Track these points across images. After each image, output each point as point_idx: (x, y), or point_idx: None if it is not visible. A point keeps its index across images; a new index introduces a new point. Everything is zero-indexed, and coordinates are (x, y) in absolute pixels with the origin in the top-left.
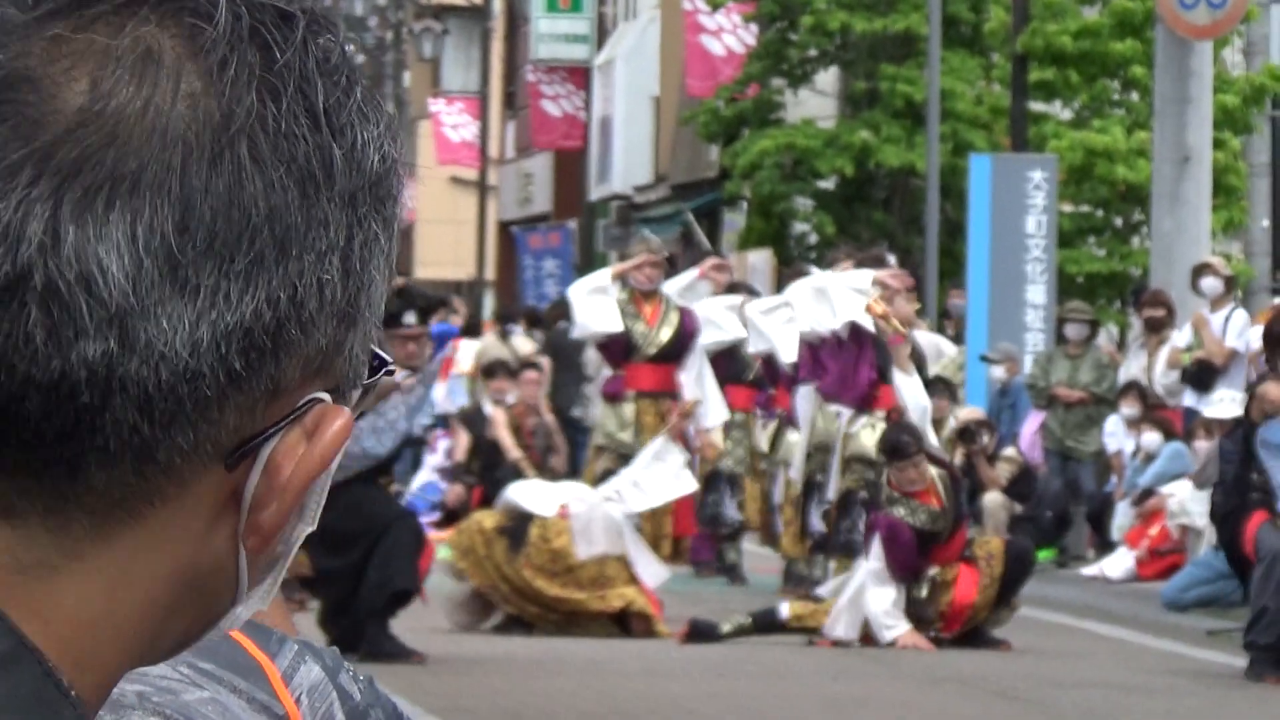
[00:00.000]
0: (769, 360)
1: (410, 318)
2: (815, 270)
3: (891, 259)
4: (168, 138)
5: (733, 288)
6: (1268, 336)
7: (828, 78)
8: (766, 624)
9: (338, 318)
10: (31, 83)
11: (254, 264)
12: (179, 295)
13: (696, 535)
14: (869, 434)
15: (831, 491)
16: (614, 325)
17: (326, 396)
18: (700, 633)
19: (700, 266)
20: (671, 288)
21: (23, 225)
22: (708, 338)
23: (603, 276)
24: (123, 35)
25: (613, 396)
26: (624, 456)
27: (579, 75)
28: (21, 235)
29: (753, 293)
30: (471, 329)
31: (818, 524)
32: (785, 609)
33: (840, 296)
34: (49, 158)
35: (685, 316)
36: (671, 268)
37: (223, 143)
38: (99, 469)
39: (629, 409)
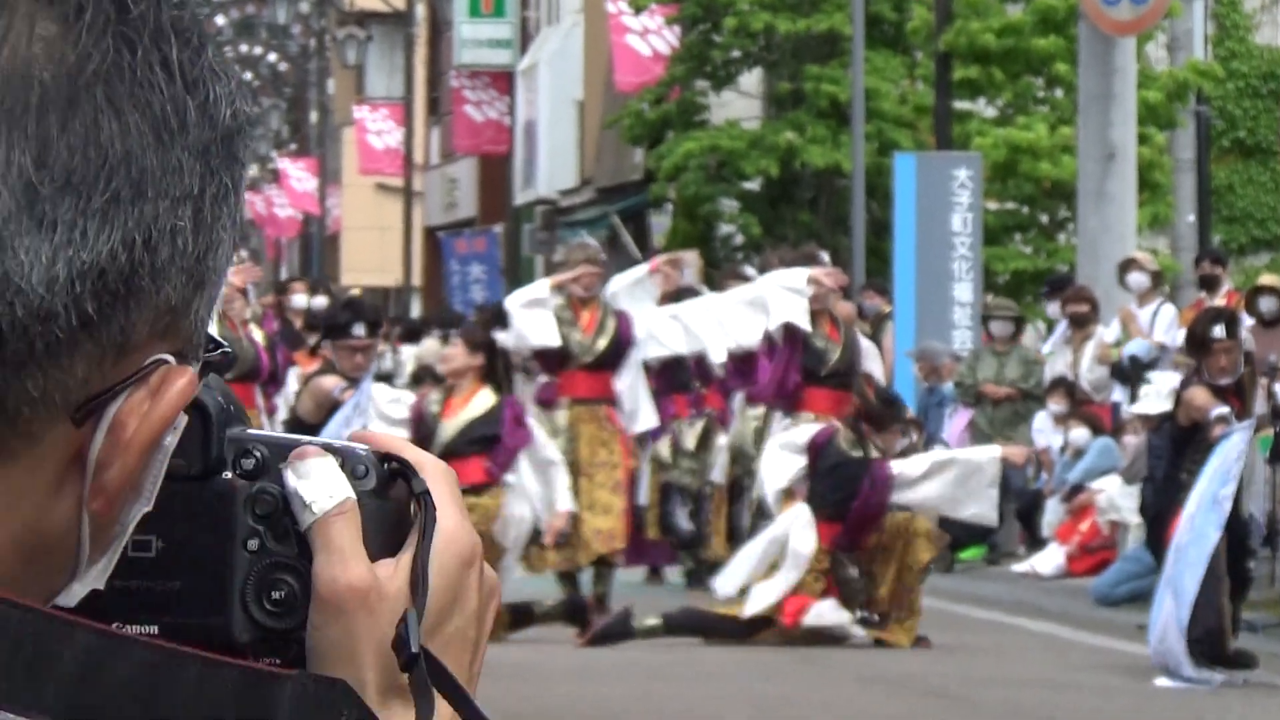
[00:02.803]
0: (700, 360)
1: (359, 329)
2: (751, 271)
3: (825, 257)
4: (24, 76)
5: (681, 293)
6: (1191, 339)
7: (751, 79)
8: (687, 624)
9: (187, 273)
10: None
11: (110, 203)
12: (36, 229)
13: (654, 544)
14: (798, 430)
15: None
16: (552, 339)
17: (171, 358)
18: (608, 635)
19: (652, 261)
20: (619, 284)
21: None
22: (650, 351)
23: (541, 288)
24: None
25: (546, 403)
26: None
27: (503, 80)
28: None
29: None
30: (410, 334)
31: (746, 524)
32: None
33: (774, 298)
34: None
35: (622, 323)
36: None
37: (79, 85)
38: None
39: (562, 416)
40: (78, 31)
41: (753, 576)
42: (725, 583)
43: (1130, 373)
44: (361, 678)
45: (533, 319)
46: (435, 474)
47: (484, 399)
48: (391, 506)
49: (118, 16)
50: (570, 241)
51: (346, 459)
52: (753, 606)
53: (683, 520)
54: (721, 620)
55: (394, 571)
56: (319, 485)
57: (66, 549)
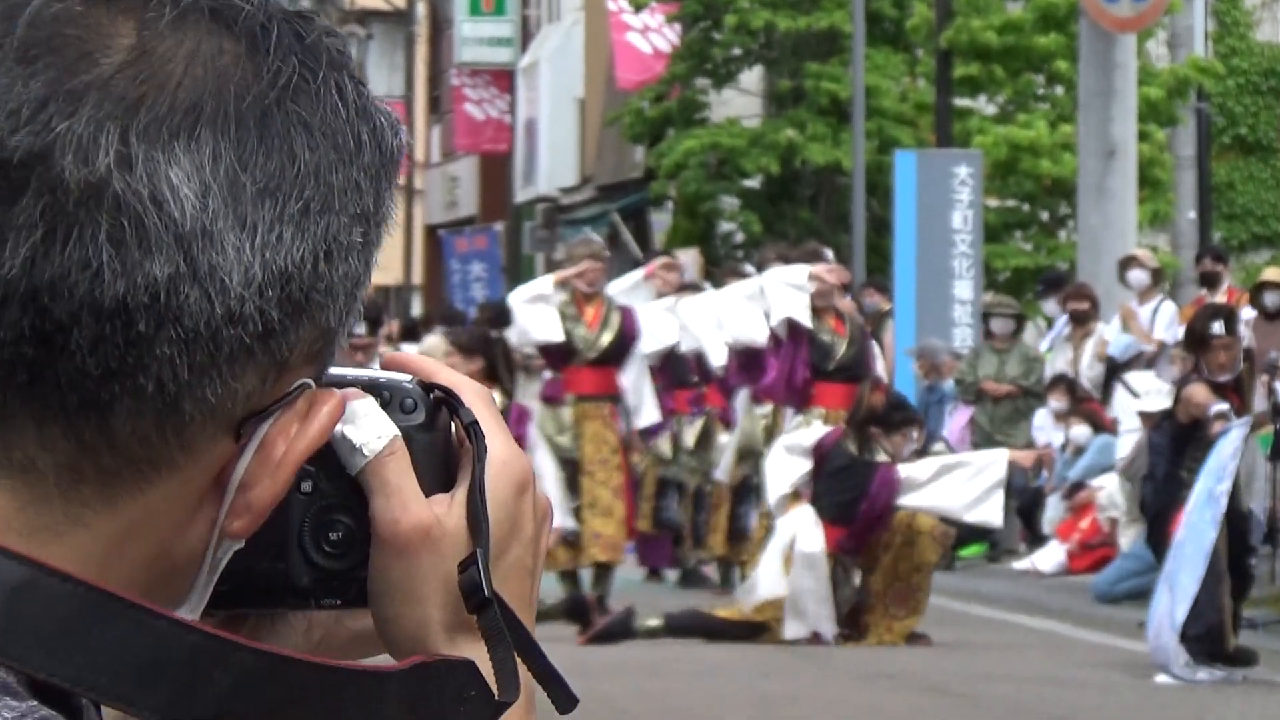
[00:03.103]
0: (700, 357)
1: (360, 328)
2: (751, 269)
3: (829, 253)
4: (220, 87)
5: (682, 291)
6: (1190, 336)
7: (752, 77)
8: (688, 625)
9: (346, 296)
10: (78, 22)
11: (303, 212)
12: (240, 227)
13: (650, 539)
14: (810, 433)
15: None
16: (555, 335)
17: (312, 382)
18: (609, 634)
19: (648, 266)
20: (615, 288)
21: (95, 141)
22: (646, 346)
23: (545, 284)
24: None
25: (551, 399)
26: (563, 460)
27: (503, 78)
28: (95, 150)
29: (698, 292)
30: (410, 331)
31: (753, 526)
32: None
33: (775, 294)
34: (108, 87)
35: (627, 319)
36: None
37: (272, 99)
38: (126, 418)
39: (568, 412)
40: (264, 50)
41: (778, 591)
42: (751, 599)
43: (1107, 373)
44: (427, 615)
45: (536, 315)
46: (476, 398)
47: None
48: (440, 438)
49: (297, 42)
50: (572, 238)
51: (394, 394)
52: (751, 602)
53: (675, 514)
54: (723, 622)
55: (450, 506)
56: (366, 427)
57: (187, 577)
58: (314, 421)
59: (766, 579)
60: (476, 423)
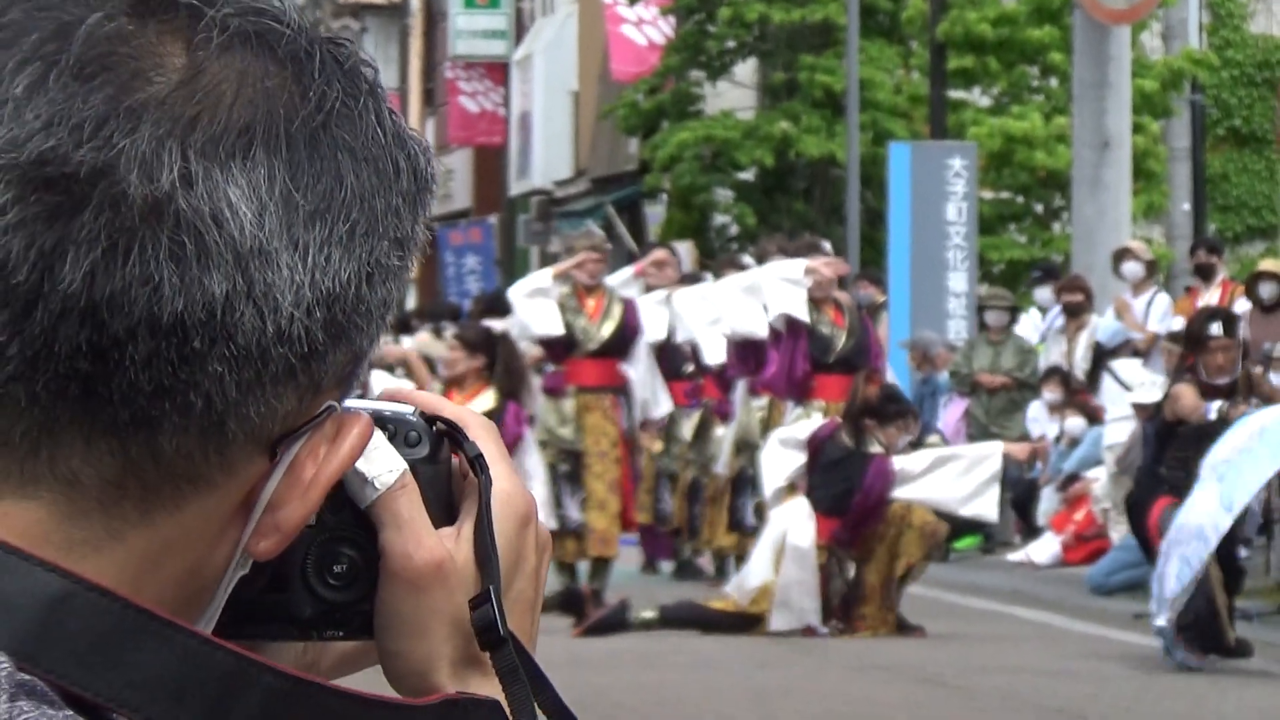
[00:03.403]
0: (695, 348)
1: None
2: (750, 261)
3: (827, 246)
4: (269, 105)
5: (683, 280)
6: (1189, 337)
7: (746, 69)
8: (683, 617)
9: (380, 321)
10: (129, 42)
11: (349, 235)
12: (293, 247)
13: (646, 531)
14: (805, 425)
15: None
16: (556, 328)
17: (338, 405)
18: (604, 626)
19: (637, 264)
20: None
21: (158, 157)
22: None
23: (544, 277)
24: (203, 18)
25: (553, 391)
26: (565, 452)
27: (497, 71)
28: (159, 167)
29: (697, 283)
30: (402, 325)
31: (750, 517)
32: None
33: (772, 289)
34: (166, 105)
35: (629, 310)
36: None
37: (318, 122)
38: (173, 435)
39: (569, 404)
40: (309, 74)
41: (769, 576)
42: (742, 591)
43: (1094, 360)
44: (435, 651)
45: (536, 309)
46: (480, 431)
47: (485, 400)
48: (444, 471)
49: (338, 67)
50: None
51: (399, 427)
52: (744, 593)
53: (667, 504)
54: (718, 614)
55: (458, 541)
56: (377, 460)
57: (209, 597)
58: (344, 444)
59: (757, 570)
60: (482, 456)
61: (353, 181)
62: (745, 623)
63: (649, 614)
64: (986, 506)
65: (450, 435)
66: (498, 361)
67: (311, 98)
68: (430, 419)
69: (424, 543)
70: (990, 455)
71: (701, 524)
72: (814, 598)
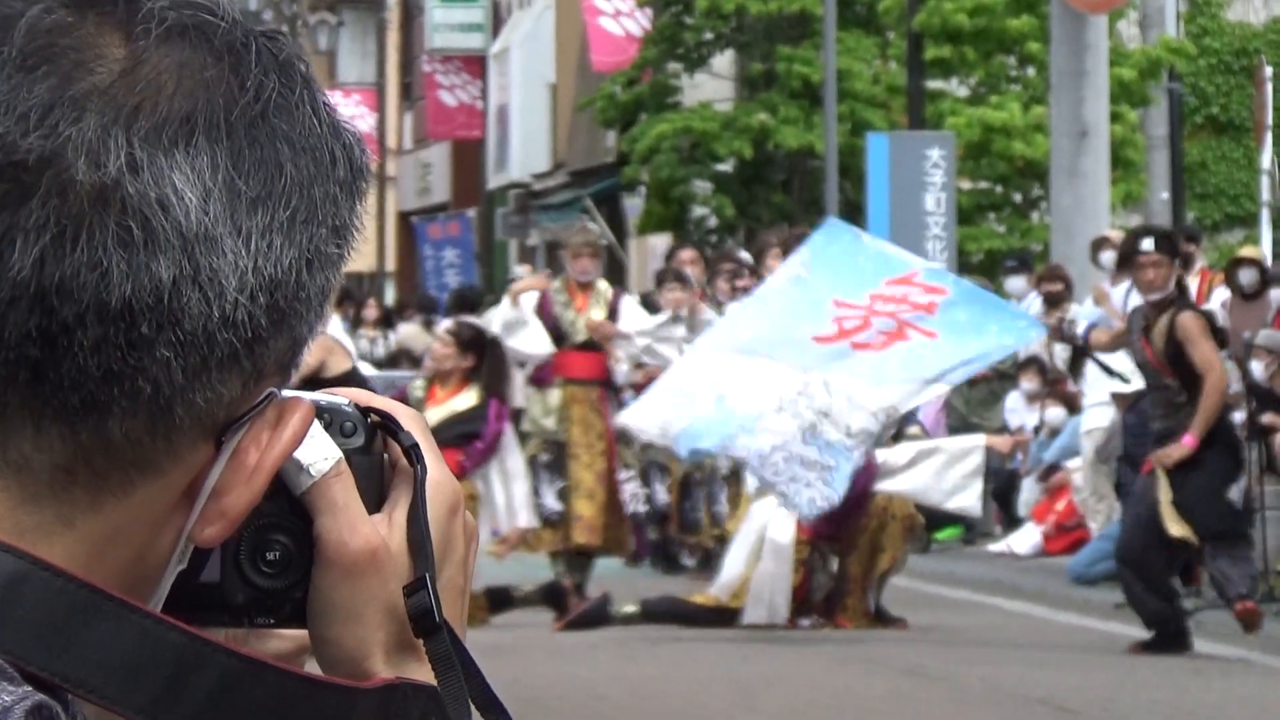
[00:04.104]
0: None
1: None
2: (746, 256)
3: None
4: (209, 94)
5: (661, 276)
6: (1121, 258)
7: (724, 60)
8: (665, 612)
9: (319, 308)
10: (69, 33)
11: (290, 221)
12: (236, 233)
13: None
14: None
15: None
16: (547, 345)
17: (279, 391)
18: (586, 621)
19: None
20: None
21: (104, 145)
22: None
23: (506, 309)
24: (141, 10)
25: (540, 382)
26: (548, 442)
27: (475, 64)
28: (105, 154)
29: (681, 279)
30: (386, 319)
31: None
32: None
33: None
34: (108, 95)
35: (616, 301)
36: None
37: (256, 111)
38: (122, 420)
39: (556, 395)
40: (246, 65)
41: (747, 572)
42: (722, 587)
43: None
44: (369, 637)
45: (522, 339)
46: (410, 422)
47: (469, 397)
48: (377, 461)
49: (273, 59)
50: (546, 224)
51: (334, 417)
52: (723, 587)
53: (660, 495)
54: (699, 608)
55: (390, 529)
56: (312, 447)
57: (154, 584)
58: (286, 430)
59: (735, 565)
60: (417, 445)
61: (292, 170)
62: (726, 617)
63: (630, 608)
64: (970, 500)
65: (384, 426)
66: (484, 361)
67: (249, 88)
68: (364, 410)
69: (359, 530)
70: (973, 449)
71: (695, 518)
72: (786, 593)
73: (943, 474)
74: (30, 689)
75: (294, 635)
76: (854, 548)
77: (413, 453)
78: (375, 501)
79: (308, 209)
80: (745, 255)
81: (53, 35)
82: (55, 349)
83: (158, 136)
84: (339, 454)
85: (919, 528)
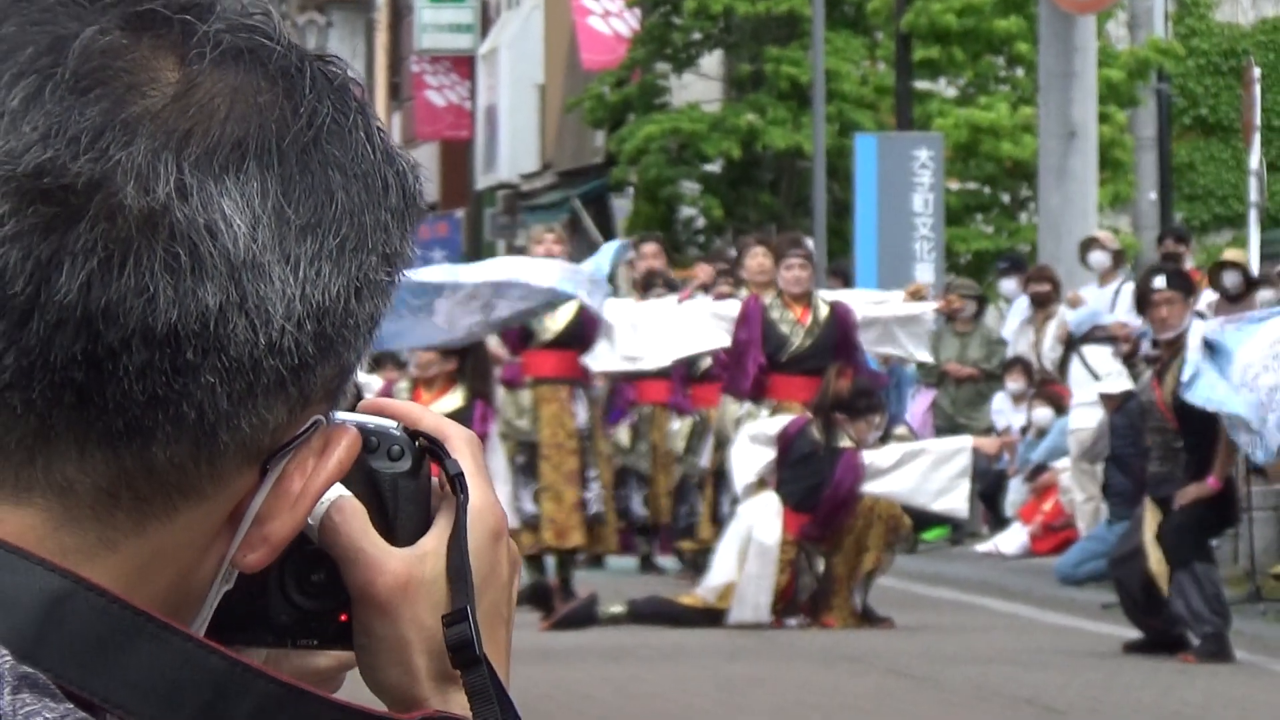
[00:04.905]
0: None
1: None
2: (734, 254)
3: (809, 243)
4: (262, 120)
5: (649, 277)
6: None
7: (712, 61)
8: (651, 612)
9: (367, 335)
10: (123, 56)
11: (339, 249)
12: (285, 260)
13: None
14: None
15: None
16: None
17: (324, 419)
18: (572, 620)
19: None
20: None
21: (154, 170)
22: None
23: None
24: (196, 33)
25: (511, 383)
26: (521, 444)
27: (463, 65)
28: (154, 179)
29: (668, 281)
30: None
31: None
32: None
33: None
34: (160, 119)
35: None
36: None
37: (309, 137)
38: (166, 445)
39: (527, 395)
40: (300, 91)
41: (734, 573)
42: (708, 588)
43: (1065, 347)
44: (414, 665)
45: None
46: (461, 445)
47: (454, 399)
48: (424, 486)
49: (328, 84)
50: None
51: (382, 441)
52: (711, 589)
53: (637, 505)
54: (685, 609)
55: (428, 556)
56: None
57: (195, 607)
58: (332, 456)
59: (722, 566)
60: (462, 475)
61: (343, 197)
62: (713, 617)
63: (617, 608)
64: (958, 502)
65: (431, 450)
66: (468, 363)
67: (303, 114)
68: (413, 434)
69: (385, 567)
70: (960, 450)
71: (694, 523)
72: (769, 594)
73: (930, 475)
74: (72, 706)
75: (337, 654)
76: (839, 548)
77: (457, 481)
78: (421, 527)
79: (358, 236)
80: (733, 254)
81: (107, 57)
82: (100, 373)
83: (208, 162)
84: (340, 492)
85: (905, 528)
